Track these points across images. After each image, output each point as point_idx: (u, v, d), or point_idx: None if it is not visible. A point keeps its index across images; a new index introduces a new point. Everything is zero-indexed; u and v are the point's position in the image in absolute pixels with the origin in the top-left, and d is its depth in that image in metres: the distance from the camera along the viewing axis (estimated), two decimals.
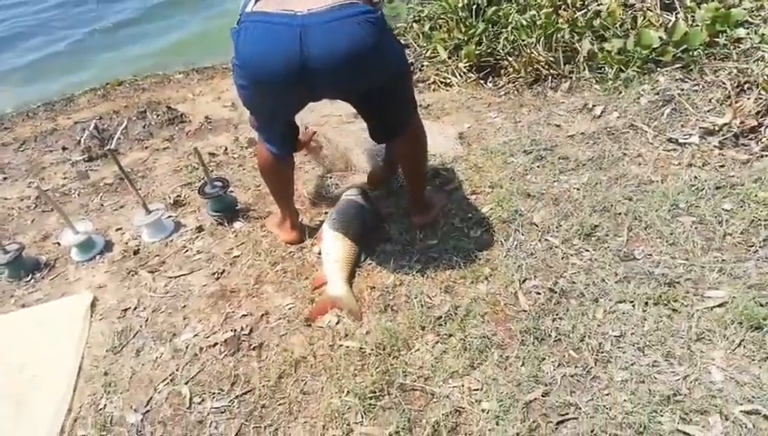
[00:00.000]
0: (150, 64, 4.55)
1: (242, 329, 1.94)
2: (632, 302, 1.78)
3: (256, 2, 1.60)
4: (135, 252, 2.36)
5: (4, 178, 3.23)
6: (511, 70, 3.29)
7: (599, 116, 2.67)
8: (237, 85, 1.73)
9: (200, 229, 2.43)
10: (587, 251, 1.99)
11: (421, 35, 3.83)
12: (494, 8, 3.54)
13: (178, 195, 2.65)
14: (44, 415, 1.74)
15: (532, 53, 3.18)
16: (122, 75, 4.28)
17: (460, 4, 3.69)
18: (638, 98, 2.70)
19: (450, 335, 1.77)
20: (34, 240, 2.55)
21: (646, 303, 1.76)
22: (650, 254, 1.93)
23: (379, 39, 1.59)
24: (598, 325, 1.72)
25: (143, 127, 3.55)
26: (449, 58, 3.54)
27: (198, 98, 3.87)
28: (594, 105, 2.74)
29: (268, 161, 1.99)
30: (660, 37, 2.91)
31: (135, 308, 2.10)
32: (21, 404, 1.80)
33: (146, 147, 3.31)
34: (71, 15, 5.42)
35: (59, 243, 2.45)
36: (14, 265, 2.30)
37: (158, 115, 3.65)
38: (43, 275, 2.33)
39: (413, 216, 2.21)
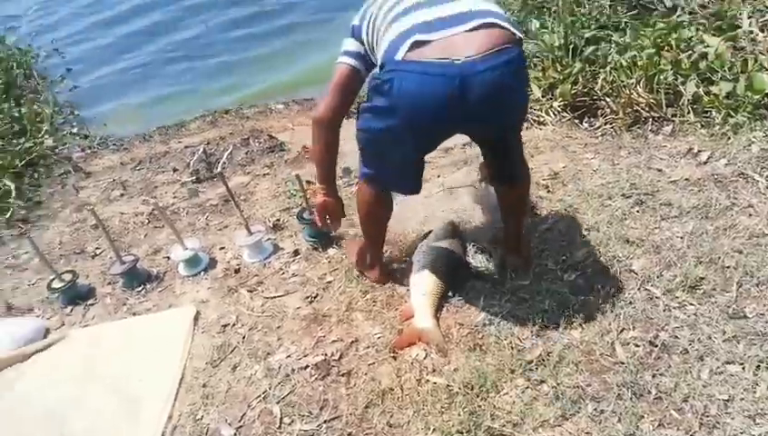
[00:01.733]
0: (253, 93, 4.84)
1: (332, 354, 2.00)
2: (742, 363, 1.67)
3: (408, 50, 1.54)
4: (236, 271, 2.50)
5: (122, 194, 3.52)
6: (609, 111, 3.22)
7: (705, 162, 2.56)
8: (369, 131, 1.73)
9: (296, 253, 2.54)
10: (692, 304, 1.90)
11: None
12: (592, 48, 3.50)
13: (277, 219, 2.79)
14: (151, 417, 1.87)
15: (632, 94, 3.11)
16: (229, 105, 4.58)
17: (556, 44, 3.68)
18: (749, 145, 2.57)
19: (542, 381, 1.74)
20: (146, 253, 2.76)
21: (758, 367, 1.65)
22: (762, 314, 1.82)
23: (526, 84, 1.68)
24: (704, 386, 1.63)
25: (246, 154, 3.76)
26: (543, 97, 3.52)
27: (297, 128, 4.06)
28: (699, 151, 2.63)
29: (376, 203, 1.97)
30: None
31: (234, 324, 2.22)
32: (132, 402, 1.95)
33: (248, 172, 3.51)
34: (192, 47, 5.88)
35: (169, 258, 2.64)
36: (129, 276, 2.50)
37: (260, 143, 3.86)
38: (153, 287, 2.52)
39: (509, 255, 2.19)
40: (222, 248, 2.69)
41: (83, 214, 3.25)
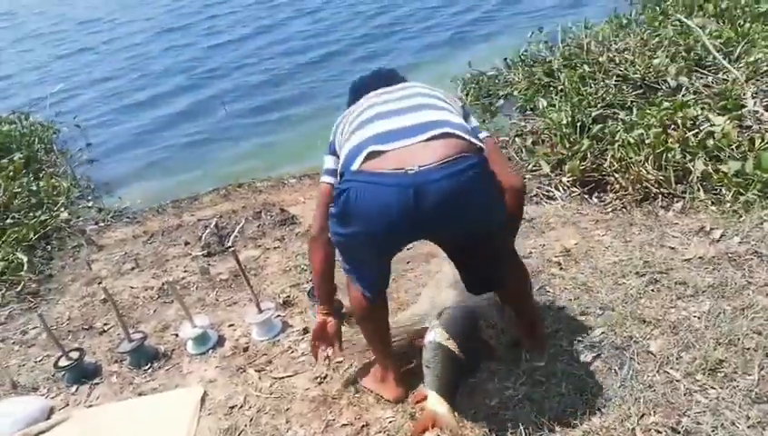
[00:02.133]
0: (263, 166, 4.95)
1: None
2: None
3: (364, 161, 1.58)
4: (245, 350, 2.46)
5: (133, 268, 3.53)
6: (618, 187, 3.24)
7: (718, 240, 2.55)
8: (337, 235, 1.75)
9: (305, 330, 2.51)
10: (713, 388, 1.84)
11: (524, 149, 3.92)
12: (600, 126, 3.58)
13: (287, 296, 2.78)
14: None
15: (641, 170, 3.15)
16: (242, 178, 4.67)
17: (564, 121, 3.77)
18: (761, 223, 2.57)
19: None
20: (155, 329, 2.74)
21: None
22: None
23: (489, 188, 1.63)
24: None
25: (258, 227, 3.80)
26: (552, 172, 3.57)
27: (308, 202, 4.11)
28: (711, 229, 2.63)
29: (362, 303, 1.92)
30: None
31: (241, 406, 2.17)
32: None
33: (259, 245, 3.53)
34: (212, 130, 6.08)
35: (177, 335, 2.62)
36: (136, 354, 2.47)
37: (271, 216, 3.91)
38: (160, 365, 2.48)
39: (526, 341, 2.13)
40: (231, 325, 2.67)
41: (94, 288, 3.25)
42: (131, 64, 8.53)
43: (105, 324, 2.88)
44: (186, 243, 3.76)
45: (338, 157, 1.82)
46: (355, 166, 1.58)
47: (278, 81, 6.85)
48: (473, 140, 1.61)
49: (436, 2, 8.61)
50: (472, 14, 7.83)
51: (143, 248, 3.81)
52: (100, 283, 3.30)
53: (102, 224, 4.20)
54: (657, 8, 5.41)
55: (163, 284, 3.17)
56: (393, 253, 1.86)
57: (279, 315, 2.63)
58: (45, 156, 5.33)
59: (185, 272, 3.36)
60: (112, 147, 5.87)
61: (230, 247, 3.56)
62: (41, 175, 4.76)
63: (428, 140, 1.55)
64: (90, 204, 4.55)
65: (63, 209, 4.26)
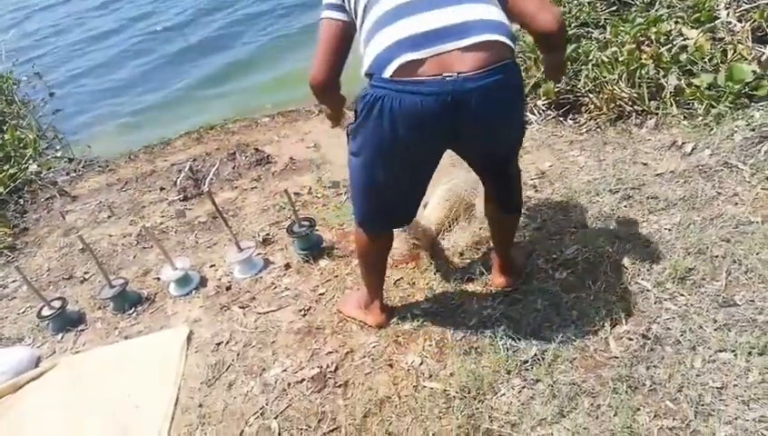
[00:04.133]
0: (239, 104, 4.84)
1: (328, 366, 1.99)
2: (734, 351, 1.68)
3: (399, 67, 1.43)
4: (228, 288, 2.48)
5: (109, 216, 3.49)
6: (593, 107, 3.24)
7: (689, 154, 2.58)
8: (358, 150, 1.62)
9: (287, 266, 2.53)
10: (682, 295, 1.91)
11: None
12: (573, 46, 3.52)
13: (267, 234, 2.78)
14: None
15: (614, 89, 3.13)
16: (213, 120, 4.57)
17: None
18: (732, 135, 2.59)
19: (537, 380, 1.74)
20: (136, 275, 2.74)
21: (750, 353, 1.66)
22: (752, 300, 1.83)
23: (521, 100, 1.63)
24: (697, 375, 1.64)
25: (233, 168, 3.75)
26: (527, 96, 3.54)
27: (283, 140, 4.06)
28: (683, 142, 2.65)
29: (374, 245, 1.88)
30: (753, 71, 2.79)
31: (227, 342, 2.20)
32: (128, 426, 1.93)
33: (236, 187, 3.49)
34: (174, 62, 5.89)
35: (159, 279, 2.62)
36: (119, 299, 2.48)
37: (246, 157, 3.85)
38: (144, 309, 2.50)
39: (495, 276, 2.13)
40: (213, 266, 2.68)
41: (71, 239, 3.22)
42: (84, 18, 8.09)
43: (86, 273, 2.87)
44: (161, 189, 3.71)
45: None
46: (387, 73, 1.44)
47: (243, 24, 6.59)
48: (508, 42, 1.47)
49: None
50: None
51: (118, 196, 3.76)
52: (77, 233, 3.27)
53: (73, 174, 4.12)
54: None
55: (141, 230, 3.14)
56: (419, 171, 1.69)
57: (259, 253, 2.64)
58: (7, 108, 5.13)
59: (162, 217, 3.33)
60: (76, 96, 5.67)
61: (207, 190, 3.53)
62: (5, 128, 4.60)
63: (467, 47, 1.43)
64: (59, 155, 4.44)
65: (31, 161, 4.16)
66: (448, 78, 1.41)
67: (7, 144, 4.26)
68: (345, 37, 1.64)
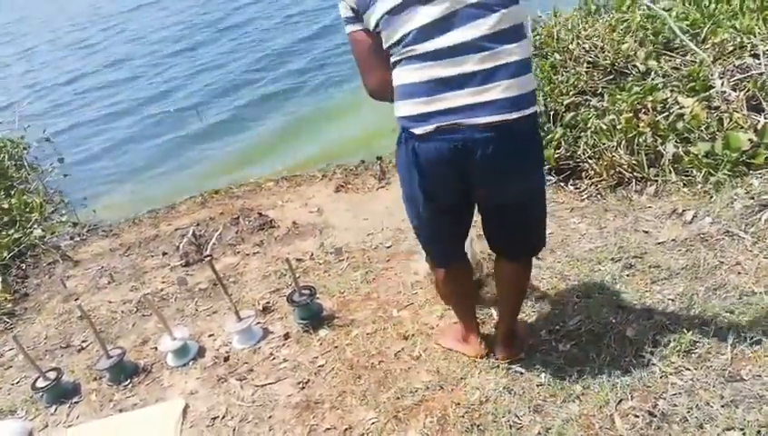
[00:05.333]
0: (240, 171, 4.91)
1: None
2: (742, 429, 1.63)
3: (430, 126, 1.52)
4: (225, 359, 2.44)
5: (110, 282, 3.49)
6: (593, 173, 3.27)
7: (690, 222, 2.58)
8: (412, 198, 1.72)
9: (286, 336, 2.50)
10: (688, 369, 1.86)
11: None
12: (572, 113, 3.60)
13: (267, 302, 2.76)
14: None
15: (613, 156, 3.17)
16: (219, 184, 4.63)
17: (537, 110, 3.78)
18: (731, 203, 2.60)
19: None
20: (134, 344, 2.70)
21: (759, 432, 1.60)
22: (759, 375, 1.78)
23: (535, 149, 1.65)
24: None
25: (236, 233, 3.77)
26: None
27: (286, 205, 4.09)
28: (684, 210, 2.66)
29: (444, 274, 1.93)
30: (750, 139, 2.83)
31: (224, 417, 2.15)
32: None
33: (238, 252, 3.50)
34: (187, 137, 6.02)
35: (156, 348, 2.59)
36: (115, 370, 2.44)
37: (249, 221, 3.88)
38: (140, 380, 2.45)
39: (499, 349, 2.08)
40: (212, 335, 2.64)
41: (70, 305, 3.20)
42: (97, 73, 8.37)
43: (84, 342, 2.84)
44: (164, 254, 3.72)
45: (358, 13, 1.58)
46: (418, 131, 1.54)
47: (248, 85, 6.77)
48: (532, 87, 1.54)
49: None
50: None
51: (120, 261, 3.76)
52: (76, 300, 3.25)
53: (77, 239, 4.14)
54: None
55: (141, 297, 3.13)
56: (452, 213, 1.76)
57: (259, 322, 2.61)
58: (16, 173, 5.22)
59: (164, 282, 3.32)
60: (84, 160, 5.81)
61: (208, 255, 3.53)
62: (12, 193, 4.67)
63: (487, 91, 1.48)
64: (64, 219, 4.48)
65: (36, 226, 4.20)
66: (464, 124, 1.49)
67: (14, 208, 4.31)
68: (372, 42, 1.61)
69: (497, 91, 1.47)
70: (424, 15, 1.46)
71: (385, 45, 1.58)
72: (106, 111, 7.04)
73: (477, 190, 1.65)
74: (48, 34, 11.96)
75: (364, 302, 2.58)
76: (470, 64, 1.47)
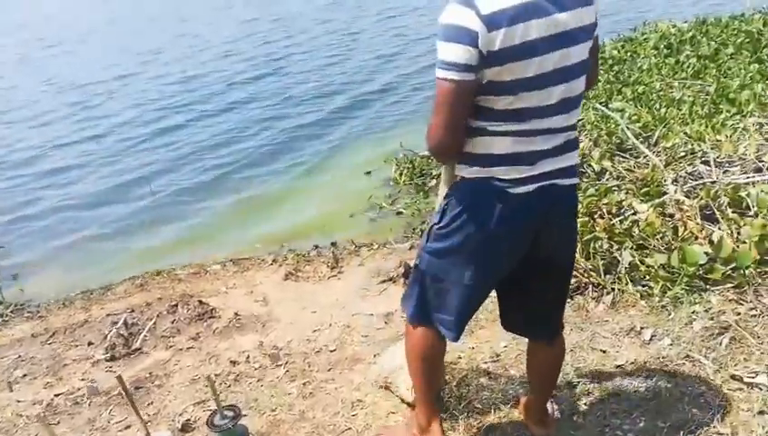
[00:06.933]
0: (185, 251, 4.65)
1: None
2: None
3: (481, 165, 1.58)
4: None
5: (24, 375, 3.14)
6: None
7: (649, 342, 2.45)
8: (458, 259, 1.66)
9: None
10: None
11: None
12: None
13: (188, 418, 2.46)
14: None
15: None
16: (161, 266, 4.34)
17: None
18: (690, 322, 2.50)
19: None
20: None
21: None
22: None
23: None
24: None
25: (172, 323, 3.48)
26: None
27: (230, 291, 3.85)
28: (642, 328, 2.54)
29: (433, 342, 1.85)
30: (706, 253, 2.76)
31: None
32: None
33: (171, 346, 3.22)
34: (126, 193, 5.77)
35: None
36: None
37: (188, 310, 3.60)
38: None
39: (534, 428, 2.07)
40: None
41: None
42: (39, 136, 7.95)
43: None
44: (89, 344, 3.39)
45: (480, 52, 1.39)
46: (468, 174, 1.60)
47: (202, 160, 6.55)
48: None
49: (372, 87, 8.50)
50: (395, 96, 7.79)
51: (41, 350, 3.42)
52: None
53: None
54: None
55: (53, 399, 2.80)
56: (494, 284, 1.81)
57: None
58: None
59: (82, 379, 3.00)
60: (20, 233, 5.38)
61: (137, 349, 3.24)
62: None
63: (570, 158, 1.63)
64: None
65: None
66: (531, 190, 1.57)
67: None
68: (471, 97, 1.49)
69: (572, 158, 1.63)
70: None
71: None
72: (47, 179, 6.61)
73: (543, 247, 1.67)
74: None
75: (297, 424, 2.32)
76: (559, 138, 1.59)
